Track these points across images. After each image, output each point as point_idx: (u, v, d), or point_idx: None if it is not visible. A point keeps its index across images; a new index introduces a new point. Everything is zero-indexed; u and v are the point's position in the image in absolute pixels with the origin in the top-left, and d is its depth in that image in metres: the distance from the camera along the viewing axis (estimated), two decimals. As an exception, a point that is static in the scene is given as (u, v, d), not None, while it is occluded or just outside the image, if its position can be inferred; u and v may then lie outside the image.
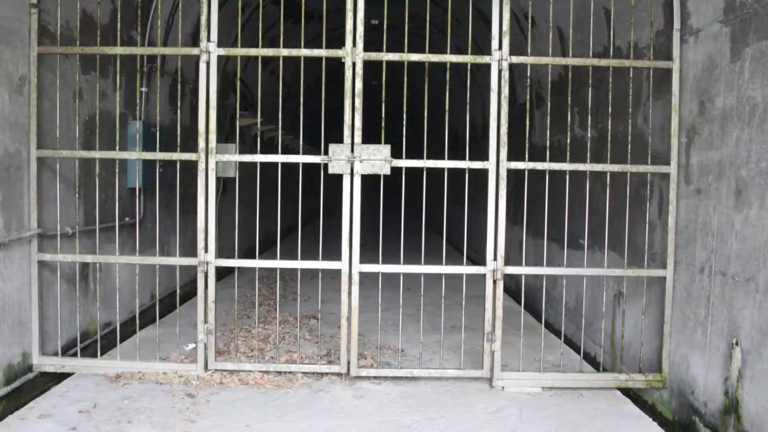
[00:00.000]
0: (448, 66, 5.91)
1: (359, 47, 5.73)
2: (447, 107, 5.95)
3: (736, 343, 4.53)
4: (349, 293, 5.88)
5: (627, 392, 5.80)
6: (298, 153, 10.95)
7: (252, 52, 5.87)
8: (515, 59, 5.77)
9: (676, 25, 5.46)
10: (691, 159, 5.28)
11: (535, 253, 8.67)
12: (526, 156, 5.90)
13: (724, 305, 4.71)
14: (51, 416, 5.01)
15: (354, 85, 5.75)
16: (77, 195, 6.02)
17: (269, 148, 14.12)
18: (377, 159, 5.74)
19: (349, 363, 5.93)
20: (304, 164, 5.89)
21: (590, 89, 6.00)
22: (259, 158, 5.86)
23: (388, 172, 5.78)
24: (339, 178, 5.82)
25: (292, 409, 5.28)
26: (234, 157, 5.92)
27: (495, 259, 5.79)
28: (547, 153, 6.15)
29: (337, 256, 5.95)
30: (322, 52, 5.79)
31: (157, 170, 6.40)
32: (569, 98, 6.00)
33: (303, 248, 6.20)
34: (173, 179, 6.39)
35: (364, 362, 6.29)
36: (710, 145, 4.97)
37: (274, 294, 9.21)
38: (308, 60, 6.03)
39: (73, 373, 5.85)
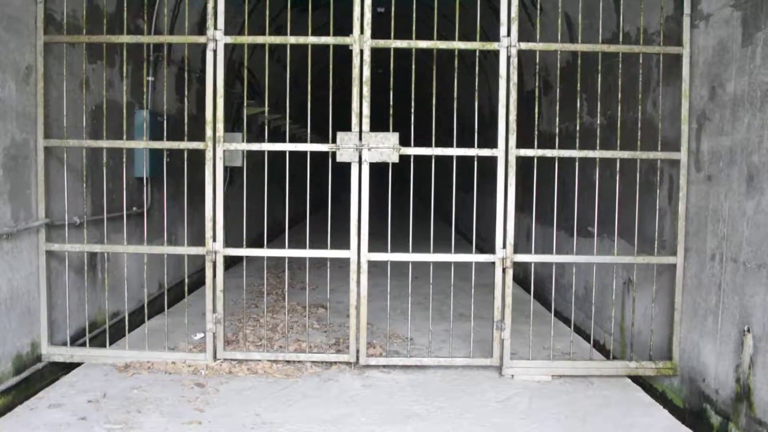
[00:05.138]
0: (456, 53, 5.86)
1: (367, 34, 5.69)
2: (456, 94, 5.91)
3: (748, 330, 4.50)
4: (358, 282, 5.86)
5: (637, 380, 5.79)
6: (305, 142, 10.91)
7: (259, 39, 5.85)
8: (524, 45, 5.72)
9: (687, 10, 5.41)
10: (701, 145, 5.24)
11: (544, 241, 8.64)
12: (535, 143, 5.86)
13: (735, 292, 4.68)
14: (60, 406, 5.02)
15: (362, 72, 5.72)
16: (85, 185, 6.01)
17: (276, 137, 14.10)
18: (385, 147, 5.71)
19: (358, 352, 5.92)
20: (312, 153, 5.87)
21: (599, 76, 5.95)
22: (267, 147, 5.84)
23: (396, 160, 5.75)
24: (347, 166, 5.80)
25: (302, 398, 5.28)
26: (241, 145, 5.90)
27: (504, 247, 5.76)
28: (556, 140, 6.12)
29: (345, 245, 5.93)
30: (330, 40, 5.75)
31: (165, 159, 6.39)
32: (578, 85, 5.96)
33: (311, 237, 6.18)
34: (180, 168, 6.38)
35: (373, 351, 6.28)
36: (721, 131, 4.93)
37: (282, 283, 9.21)
38: (315, 48, 6.00)
39: (81, 363, 5.85)
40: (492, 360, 5.87)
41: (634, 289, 6.00)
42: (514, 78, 5.69)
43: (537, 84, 6.19)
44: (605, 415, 5.05)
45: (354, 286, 5.89)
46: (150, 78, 7.18)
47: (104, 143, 5.85)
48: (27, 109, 5.41)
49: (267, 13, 5.99)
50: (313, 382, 5.63)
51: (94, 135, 6.18)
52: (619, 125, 5.91)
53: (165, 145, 5.97)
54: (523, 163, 6.01)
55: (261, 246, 8.61)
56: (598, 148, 5.89)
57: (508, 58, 5.70)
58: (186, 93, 7.02)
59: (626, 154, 5.71)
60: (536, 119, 6.04)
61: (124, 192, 6.22)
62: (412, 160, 5.98)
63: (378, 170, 7.06)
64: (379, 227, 6.90)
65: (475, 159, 5.88)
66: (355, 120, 5.74)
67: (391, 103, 6.07)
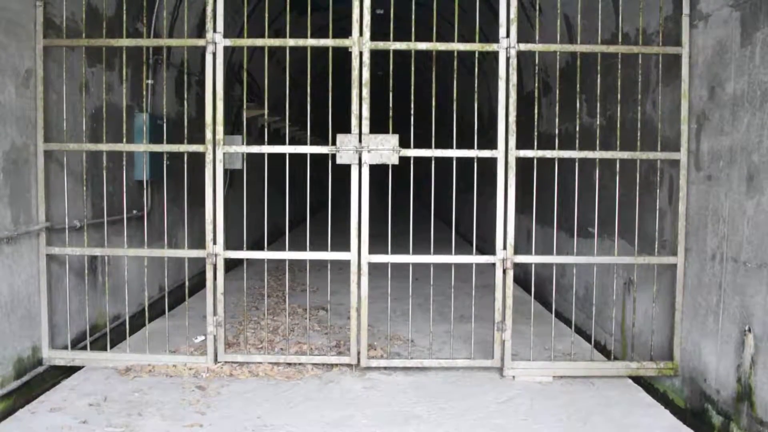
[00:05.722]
0: (455, 54, 5.87)
1: (366, 36, 5.69)
2: (455, 96, 5.91)
3: (749, 330, 4.50)
4: (359, 284, 5.86)
5: (638, 380, 5.78)
6: (305, 144, 10.92)
7: (258, 42, 5.85)
8: (523, 47, 5.73)
9: (686, 10, 5.41)
10: (701, 145, 5.24)
11: (544, 242, 8.63)
12: (535, 144, 5.86)
13: (736, 292, 4.67)
14: (62, 409, 5.01)
15: (361, 74, 5.72)
16: (85, 188, 6.01)
17: (276, 139, 14.10)
18: (385, 149, 5.71)
19: (359, 354, 5.91)
20: (312, 155, 5.87)
21: (598, 76, 5.95)
22: (267, 149, 5.84)
23: (396, 161, 5.75)
24: (347, 168, 5.79)
25: (303, 400, 5.28)
26: (241, 148, 5.91)
27: (504, 248, 5.76)
28: (556, 141, 6.12)
29: (345, 247, 5.93)
30: (329, 42, 5.75)
31: (165, 162, 6.39)
32: (577, 86, 5.96)
33: (311, 239, 6.18)
34: (180, 171, 6.38)
35: (374, 353, 6.27)
36: (721, 130, 4.93)
37: (283, 285, 9.20)
38: (314, 50, 6.00)
39: (83, 367, 5.85)
40: (493, 361, 5.87)
41: (635, 289, 5.99)
42: (514, 79, 5.70)
43: (536, 85, 6.19)
44: (607, 416, 5.05)
45: (354, 288, 5.89)
46: (149, 81, 7.18)
47: (104, 146, 5.85)
48: (27, 112, 5.42)
49: (266, 15, 6.00)
50: (314, 384, 5.63)
51: (94, 138, 6.18)
52: (618, 126, 5.91)
53: (165, 148, 5.97)
54: (523, 164, 6.01)
55: (261, 249, 8.61)
56: (597, 148, 5.89)
57: (508, 59, 5.70)
58: (186, 96, 7.02)
59: (626, 155, 5.71)
60: (536, 120, 6.04)
61: (124, 195, 6.22)
62: (412, 161, 5.97)
63: (378, 172, 7.06)
64: (379, 229, 6.90)
65: (475, 160, 5.88)
66: (354, 122, 5.74)
67: (391, 104, 6.07)
